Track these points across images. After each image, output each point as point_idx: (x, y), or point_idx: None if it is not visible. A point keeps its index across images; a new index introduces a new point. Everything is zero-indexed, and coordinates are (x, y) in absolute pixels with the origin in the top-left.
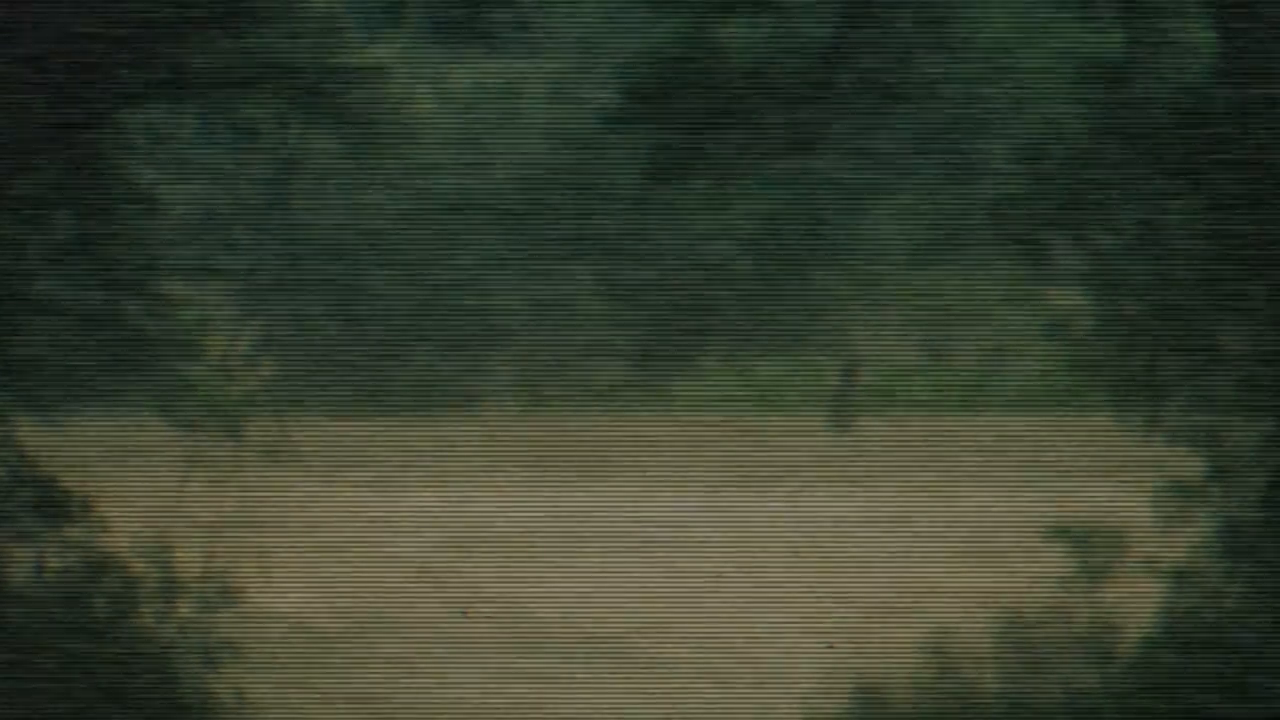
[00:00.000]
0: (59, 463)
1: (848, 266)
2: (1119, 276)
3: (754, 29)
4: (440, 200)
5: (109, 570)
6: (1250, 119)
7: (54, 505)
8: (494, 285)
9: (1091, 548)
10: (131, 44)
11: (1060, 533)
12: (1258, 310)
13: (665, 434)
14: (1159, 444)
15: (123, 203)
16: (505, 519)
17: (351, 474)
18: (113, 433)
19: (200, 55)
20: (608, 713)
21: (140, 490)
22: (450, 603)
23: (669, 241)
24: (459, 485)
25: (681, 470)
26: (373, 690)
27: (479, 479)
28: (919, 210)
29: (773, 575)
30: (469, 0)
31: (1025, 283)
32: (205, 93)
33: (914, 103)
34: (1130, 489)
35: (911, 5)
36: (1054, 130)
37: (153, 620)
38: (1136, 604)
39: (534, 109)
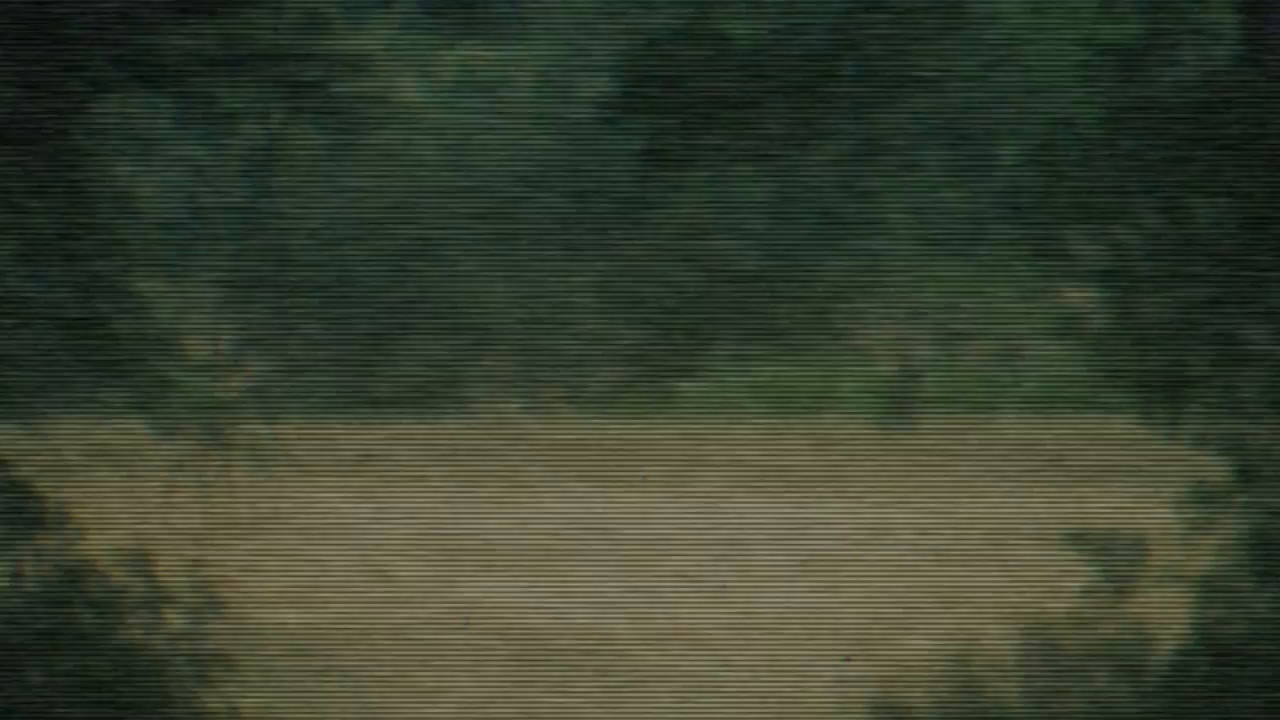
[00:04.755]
0: (34, 468)
1: (857, 263)
2: (1140, 273)
3: (756, 14)
4: (429, 193)
5: (89, 581)
6: (1276, 107)
7: (29, 512)
8: (487, 282)
9: (1115, 555)
10: (106, 30)
11: (1081, 540)
12: None
13: (667, 438)
14: (1183, 448)
15: (98, 196)
16: (501, 526)
17: (340, 479)
18: (90, 436)
19: (178, 41)
20: None
21: (120, 496)
22: (446, 612)
23: (669, 236)
24: (453, 491)
25: (685, 476)
26: (368, 703)
27: (474, 484)
28: (930, 204)
29: (782, 585)
30: None
31: (1042, 279)
32: (184, 81)
33: (924, 92)
34: (1154, 494)
35: None
36: (1071, 120)
37: (139, 632)
38: (1163, 613)
39: (527, 98)
